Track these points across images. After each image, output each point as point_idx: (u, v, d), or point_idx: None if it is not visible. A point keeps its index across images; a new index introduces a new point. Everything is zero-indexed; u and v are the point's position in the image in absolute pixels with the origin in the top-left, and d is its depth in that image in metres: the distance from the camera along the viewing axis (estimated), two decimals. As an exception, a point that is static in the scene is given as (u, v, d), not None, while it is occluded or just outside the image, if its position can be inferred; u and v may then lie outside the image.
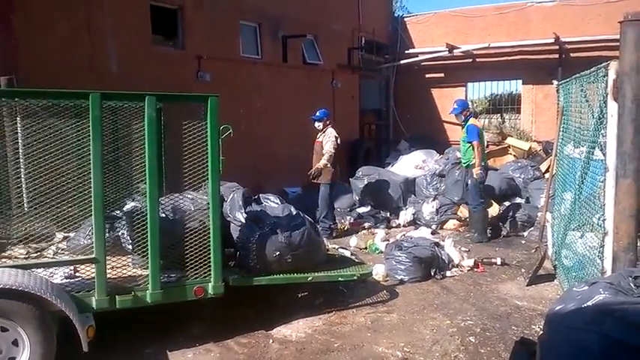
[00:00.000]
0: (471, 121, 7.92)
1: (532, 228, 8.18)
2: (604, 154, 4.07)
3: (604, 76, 4.04)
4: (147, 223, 4.08)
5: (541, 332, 3.35)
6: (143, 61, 8.20)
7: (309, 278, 4.97)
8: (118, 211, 4.62)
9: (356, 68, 13.72)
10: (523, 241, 7.94)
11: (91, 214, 3.91)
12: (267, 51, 10.95)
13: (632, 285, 2.90)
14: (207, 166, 4.28)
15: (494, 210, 8.69)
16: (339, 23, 12.96)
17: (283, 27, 11.24)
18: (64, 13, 7.35)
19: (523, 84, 14.09)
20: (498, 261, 6.69)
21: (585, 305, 2.83)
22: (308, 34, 11.95)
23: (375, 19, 14.45)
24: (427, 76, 14.91)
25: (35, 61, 6.82)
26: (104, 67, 7.76)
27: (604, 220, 4.03)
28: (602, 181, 4.07)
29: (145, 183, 4.10)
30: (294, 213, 5.25)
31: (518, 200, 9.29)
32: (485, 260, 6.69)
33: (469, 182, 7.87)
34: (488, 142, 12.90)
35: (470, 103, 7.64)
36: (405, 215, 9.06)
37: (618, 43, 3.80)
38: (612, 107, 3.90)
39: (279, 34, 11.21)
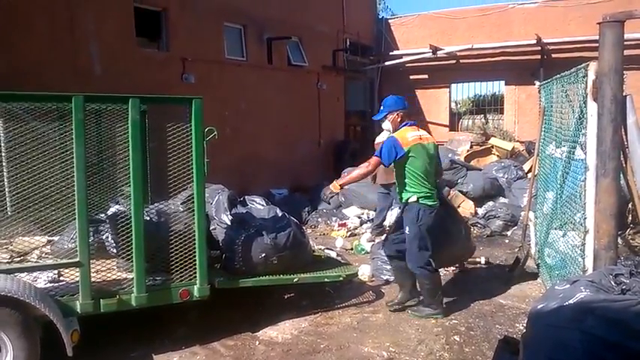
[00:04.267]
0: (403, 131, 4.95)
1: (515, 227, 8.27)
2: (585, 154, 4.13)
3: (584, 77, 4.10)
4: (131, 226, 4.06)
5: (524, 330, 3.39)
6: (127, 63, 8.14)
7: (295, 279, 4.98)
8: (102, 215, 4.60)
9: (341, 70, 13.74)
10: (507, 241, 8.02)
11: (75, 218, 3.89)
12: (252, 53, 10.93)
13: (612, 283, 2.95)
14: (192, 168, 4.27)
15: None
16: (323, 25, 12.97)
17: (268, 29, 11.22)
18: (47, 15, 7.27)
19: (506, 85, 14.21)
20: (482, 260, 6.75)
21: (567, 303, 2.87)
22: (293, 35, 11.94)
23: (360, 20, 14.48)
24: (411, 77, 14.97)
25: (17, 63, 6.74)
26: (88, 69, 7.70)
27: (585, 219, 4.09)
28: (583, 180, 4.13)
29: (129, 186, 4.08)
30: (280, 214, 5.26)
31: (501, 200, 9.40)
32: (469, 260, 6.74)
33: (406, 231, 4.94)
34: (472, 142, 13.04)
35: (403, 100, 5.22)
36: (391, 216, 9.09)
37: (598, 44, 3.87)
38: (592, 107, 3.96)
39: (263, 36, 11.20)
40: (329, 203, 4.57)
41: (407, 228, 4.92)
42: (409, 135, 4.90)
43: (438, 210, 4.98)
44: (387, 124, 5.13)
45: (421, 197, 4.85)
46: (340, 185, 4.99)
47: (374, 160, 4.92)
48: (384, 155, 4.85)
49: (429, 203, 4.87)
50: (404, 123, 5.04)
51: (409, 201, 4.90)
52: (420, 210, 4.85)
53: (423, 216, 4.84)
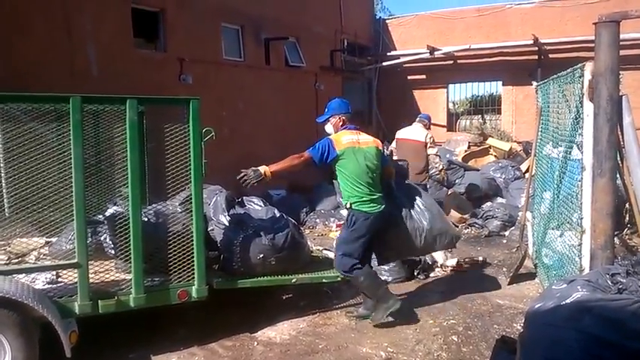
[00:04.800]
0: (340, 134, 4.91)
1: (513, 227, 8.28)
2: (581, 154, 4.14)
3: (580, 77, 4.11)
4: (129, 226, 4.06)
5: (522, 330, 3.40)
6: (125, 64, 8.13)
7: (293, 280, 4.98)
8: (100, 216, 4.60)
9: (338, 70, 13.75)
10: (504, 241, 8.04)
11: (73, 219, 3.89)
12: (249, 53, 10.93)
13: (609, 282, 2.97)
14: (189, 169, 4.27)
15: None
16: (321, 25, 12.98)
17: (265, 29, 11.23)
18: (44, 16, 7.27)
19: (503, 85, 14.24)
20: (480, 260, 6.77)
21: (564, 303, 2.88)
22: (290, 36, 11.96)
23: (357, 21, 14.50)
24: (409, 77, 15.00)
25: (17, 64, 6.74)
26: (85, 70, 7.70)
27: (582, 219, 4.11)
28: (580, 180, 4.14)
29: (127, 187, 4.08)
30: (278, 215, 5.26)
31: (499, 200, 9.42)
32: (467, 260, 6.76)
33: (338, 233, 5.11)
34: (469, 143, 13.04)
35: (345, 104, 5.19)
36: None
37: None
38: (588, 107, 3.97)
39: (261, 37, 11.20)
40: (245, 187, 4.30)
41: (341, 230, 4.80)
42: (344, 138, 4.83)
43: (385, 210, 4.82)
44: (329, 127, 5.10)
45: (355, 203, 4.75)
46: (272, 172, 4.73)
47: (306, 154, 4.81)
48: (316, 153, 4.79)
49: (364, 209, 4.73)
50: (344, 126, 4.98)
51: (346, 206, 4.88)
52: (353, 216, 4.79)
53: (355, 222, 4.77)
